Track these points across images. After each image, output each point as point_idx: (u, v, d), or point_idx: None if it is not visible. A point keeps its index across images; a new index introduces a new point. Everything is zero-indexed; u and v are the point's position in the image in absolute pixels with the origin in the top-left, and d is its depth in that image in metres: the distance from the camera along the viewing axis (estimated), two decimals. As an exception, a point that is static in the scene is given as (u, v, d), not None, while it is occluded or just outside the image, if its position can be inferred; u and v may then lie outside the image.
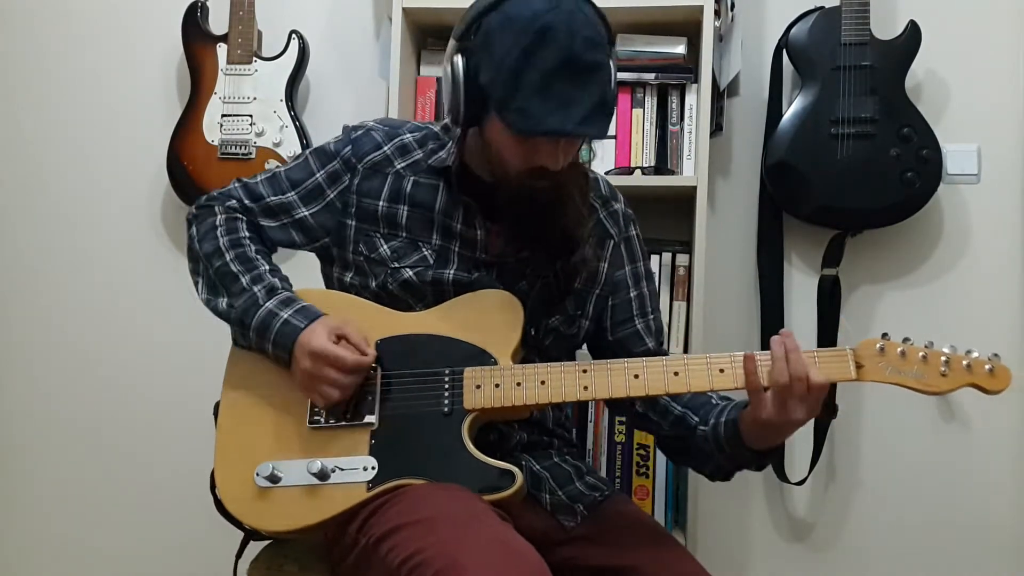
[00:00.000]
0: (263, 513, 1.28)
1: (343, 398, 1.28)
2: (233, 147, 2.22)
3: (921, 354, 1.23)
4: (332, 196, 1.41)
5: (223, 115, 2.23)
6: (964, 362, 1.22)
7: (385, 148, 1.41)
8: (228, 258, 1.38)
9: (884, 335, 1.25)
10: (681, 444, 1.41)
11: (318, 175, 1.42)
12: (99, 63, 2.44)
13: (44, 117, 2.46)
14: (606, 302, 1.46)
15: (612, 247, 1.46)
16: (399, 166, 1.40)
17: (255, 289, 1.35)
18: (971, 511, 2.14)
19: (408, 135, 1.43)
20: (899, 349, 1.24)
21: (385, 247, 1.39)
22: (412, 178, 1.40)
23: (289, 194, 1.42)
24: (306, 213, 1.42)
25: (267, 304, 1.33)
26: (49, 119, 2.46)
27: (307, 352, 1.27)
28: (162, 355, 2.39)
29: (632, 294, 1.47)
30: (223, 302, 1.37)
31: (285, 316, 1.31)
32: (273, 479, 1.28)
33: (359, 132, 1.43)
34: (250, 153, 2.22)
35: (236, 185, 1.46)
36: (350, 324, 1.30)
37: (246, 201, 1.43)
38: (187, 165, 2.24)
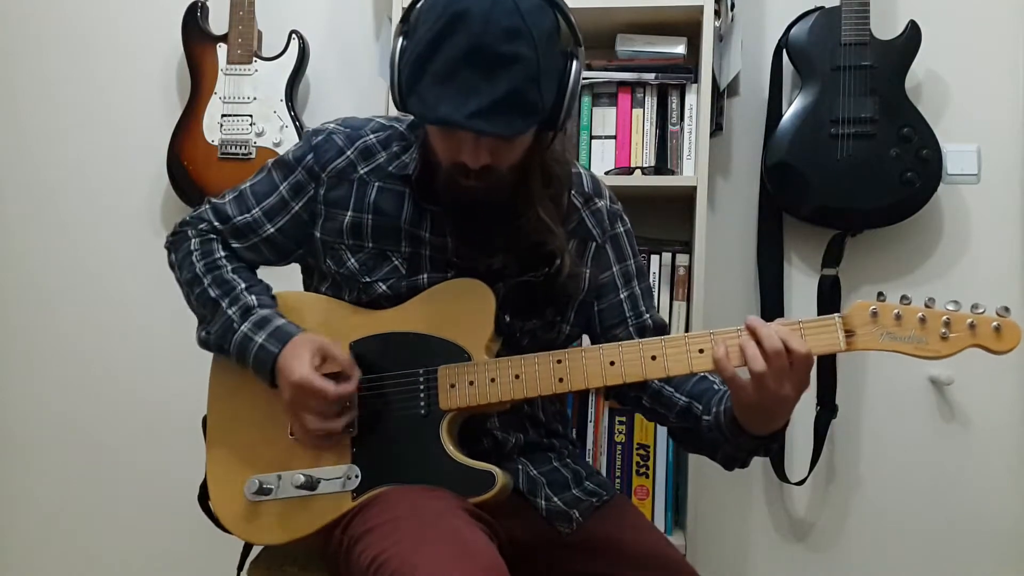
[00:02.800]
0: (254, 527, 1.30)
1: (328, 427, 1.26)
2: (233, 147, 2.22)
3: (919, 315, 1.11)
4: (297, 208, 1.37)
5: (223, 115, 2.22)
6: (968, 320, 1.10)
7: (348, 153, 1.35)
8: (206, 283, 1.36)
9: (880, 295, 1.14)
10: (690, 434, 1.35)
11: (281, 188, 1.37)
12: (99, 63, 2.44)
13: (44, 117, 2.46)
14: (591, 308, 1.41)
15: (595, 249, 1.40)
16: (362, 171, 1.34)
17: (230, 312, 1.32)
18: (971, 511, 2.14)
19: (371, 136, 1.36)
20: (894, 312, 1.12)
21: (352, 260, 1.34)
22: (376, 184, 1.34)
23: (254, 211, 1.38)
24: (272, 230, 1.38)
25: (242, 327, 1.30)
26: (49, 119, 2.46)
27: (289, 383, 1.23)
28: (162, 356, 2.39)
29: (623, 295, 1.41)
30: (203, 331, 1.36)
31: (259, 340, 1.28)
32: (261, 493, 1.29)
33: (319, 138, 1.37)
34: (250, 153, 2.21)
35: (207, 207, 1.43)
36: (335, 345, 1.26)
37: (216, 223, 1.40)
38: (187, 165, 2.24)
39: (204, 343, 1.37)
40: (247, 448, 1.33)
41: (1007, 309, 1.10)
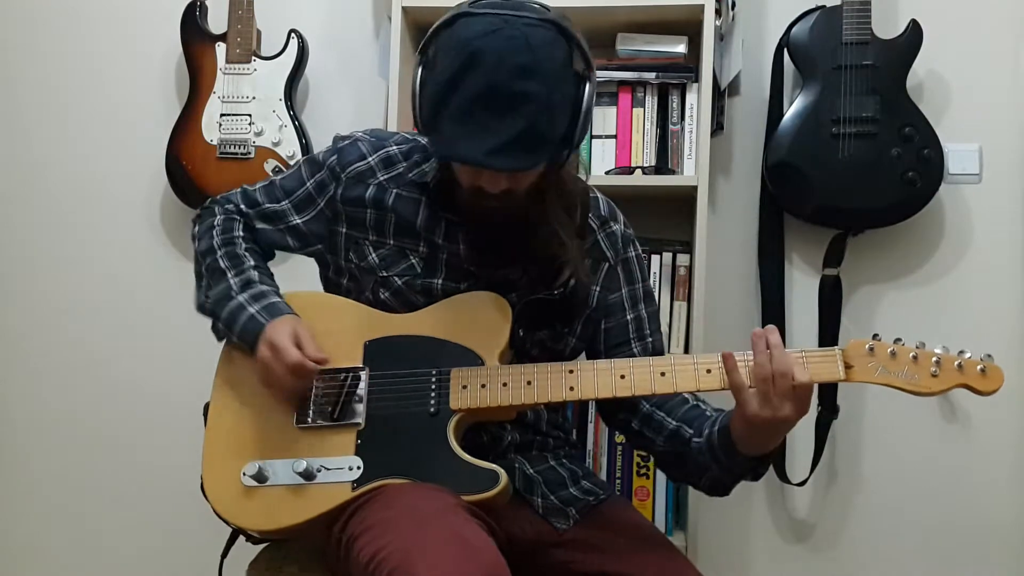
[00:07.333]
0: (248, 512, 1.29)
1: (286, 392, 1.30)
2: (232, 147, 2.21)
3: (912, 355, 1.21)
4: (322, 205, 1.43)
5: (222, 114, 2.22)
6: (956, 362, 1.20)
7: (370, 159, 1.41)
8: (219, 255, 1.42)
9: (875, 336, 1.23)
10: (677, 459, 1.37)
11: (308, 184, 1.44)
12: (98, 62, 2.43)
13: (43, 116, 2.45)
14: (598, 325, 1.44)
15: (607, 269, 1.44)
16: (382, 178, 1.40)
17: (232, 282, 1.38)
18: (972, 512, 2.14)
19: (394, 147, 1.42)
20: (889, 349, 1.22)
21: (373, 255, 1.39)
22: (394, 191, 1.39)
23: (283, 203, 1.45)
24: (299, 221, 1.44)
25: (239, 297, 1.36)
26: (48, 118, 2.45)
27: (265, 341, 1.30)
28: (160, 354, 2.39)
29: (629, 316, 1.45)
30: (203, 295, 1.42)
31: (252, 311, 1.34)
32: (259, 478, 1.28)
33: (346, 142, 1.43)
34: (249, 153, 2.21)
35: (238, 191, 1.50)
36: (313, 336, 1.31)
37: (243, 206, 1.47)
38: (186, 165, 2.23)
39: (200, 306, 1.43)
40: (249, 434, 1.34)
41: (990, 356, 1.20)
